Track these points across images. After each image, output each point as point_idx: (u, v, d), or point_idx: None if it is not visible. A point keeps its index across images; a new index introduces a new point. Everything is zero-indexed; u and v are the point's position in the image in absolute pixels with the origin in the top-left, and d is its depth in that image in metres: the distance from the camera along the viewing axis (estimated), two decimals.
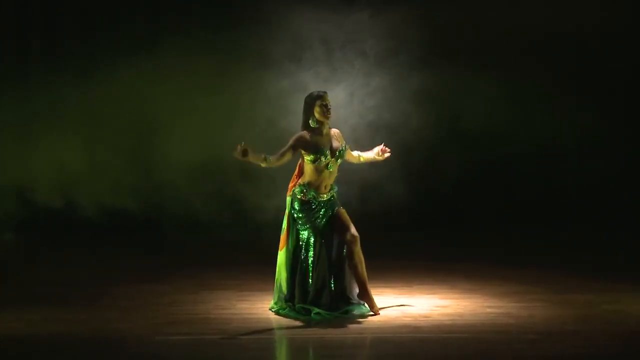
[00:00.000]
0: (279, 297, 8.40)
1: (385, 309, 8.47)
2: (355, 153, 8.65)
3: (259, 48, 12.24)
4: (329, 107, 8.29)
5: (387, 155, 8.63)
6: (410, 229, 12.95)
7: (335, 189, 8.41)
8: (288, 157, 8.24)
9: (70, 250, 12.07)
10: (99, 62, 12.65)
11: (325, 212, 8.31)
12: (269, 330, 7.87)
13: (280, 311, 8.33)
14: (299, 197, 8.28)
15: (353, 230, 8.31)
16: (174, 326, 7.93)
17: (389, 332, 7.75)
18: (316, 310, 8.16)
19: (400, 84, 11.52)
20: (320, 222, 8.28)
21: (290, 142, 8.27)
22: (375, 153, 8.63)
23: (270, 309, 8.41)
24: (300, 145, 8.26)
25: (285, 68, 11.55)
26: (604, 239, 12.71)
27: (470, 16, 12.80)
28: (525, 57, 13.17)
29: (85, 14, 13.10)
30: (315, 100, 8.29)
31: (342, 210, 8.38)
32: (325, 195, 8.31)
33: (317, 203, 8.28)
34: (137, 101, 12.48)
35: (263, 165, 8.08)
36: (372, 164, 9.06)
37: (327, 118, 8.29)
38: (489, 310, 8.49)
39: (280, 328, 7.92)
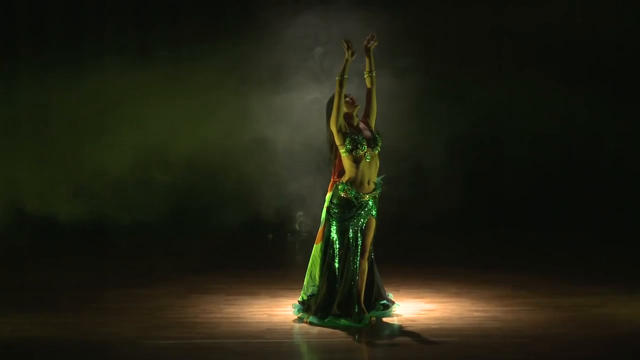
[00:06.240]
0: (305, 293, 8.35)
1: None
2: (367, 80, 8.41)
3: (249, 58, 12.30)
4: (352, 96, 8.31)
5: (372, 43, 8.37)
6: (398, 233, 12.93)
7: (379, 190, 8.36)
8: (339, 103, 8.15)
9: (58, 255, 12.06)
10: (86, 67, 12.66)
11: (359, 215, 8.26)
12: (257, 334, 7.89)
13: (305, 318, 8.24)
14: (341, 194, 8.26)
15: (367, 244, 8.29)
16: (162, 330, 7.94)
17: (375, 336, 7.77)
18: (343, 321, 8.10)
19: (400, 86, 11.52)
20: (355, 222, 8.25)
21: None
22: (365, 52, 8.39)
23: (298, 316, 8.33)
24: (345, 121, 8.23)
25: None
26: (592, 243, 12.74)
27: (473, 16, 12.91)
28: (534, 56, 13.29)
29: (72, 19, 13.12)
30: None
31: (373, 221, 8.34)
32: (367, 196, 8.26)
33: (357, 203, 8.26)
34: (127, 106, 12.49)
35: (338, 78, 8.13)
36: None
37: (356, 106, 8.28)
38: (476, 314, 8.51)
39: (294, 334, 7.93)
